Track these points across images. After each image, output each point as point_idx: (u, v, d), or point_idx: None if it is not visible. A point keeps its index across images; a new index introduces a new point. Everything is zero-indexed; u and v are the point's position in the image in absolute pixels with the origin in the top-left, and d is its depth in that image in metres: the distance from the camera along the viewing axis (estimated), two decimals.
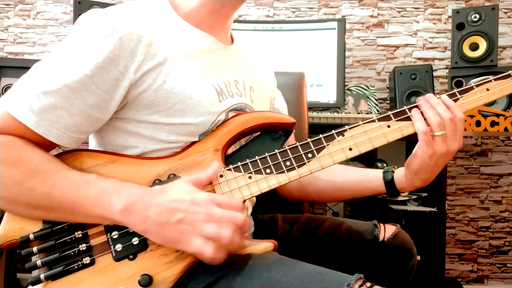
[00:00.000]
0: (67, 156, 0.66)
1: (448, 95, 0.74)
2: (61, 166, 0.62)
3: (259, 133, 0.75)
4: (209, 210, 0.58)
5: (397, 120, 0.73)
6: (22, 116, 0.60)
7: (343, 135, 0.72)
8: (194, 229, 0.57)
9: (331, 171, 0.79)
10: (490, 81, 0.75)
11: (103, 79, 0.63)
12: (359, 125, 0.72)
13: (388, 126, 0.73)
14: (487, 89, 0.75)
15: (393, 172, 0.81)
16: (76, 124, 0.63)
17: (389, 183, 0.80)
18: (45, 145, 0.64)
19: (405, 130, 0.73)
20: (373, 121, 0.73)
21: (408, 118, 0.73)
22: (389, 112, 0.73)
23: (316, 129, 0.99)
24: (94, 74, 0.62)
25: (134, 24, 0.65)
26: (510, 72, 0.76)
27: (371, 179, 0.83)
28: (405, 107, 0.74)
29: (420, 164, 0.74)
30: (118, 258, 0.61)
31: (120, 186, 0.61)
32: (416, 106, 0.73)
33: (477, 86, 0.75)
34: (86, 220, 0.62)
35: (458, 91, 0.74)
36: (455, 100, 0.74)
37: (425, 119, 0.72)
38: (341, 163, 0.73)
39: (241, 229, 0.59)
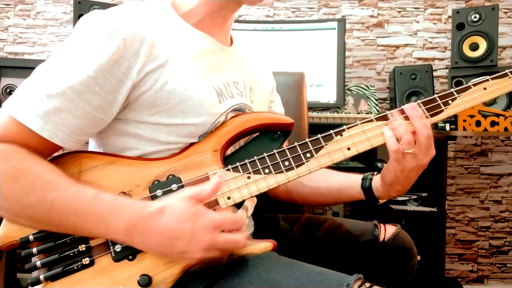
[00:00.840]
0: (67, 157, 0.66)
1: (445, 94, 0.74)
2: (60, 180, 0.60)
3: (257, 133, 0.75)
4: (212, 239, 0.57)
5: (395, 120, 0.73)
6: (27, 120, 0.60)
7: (341, 135, 0.72)
8: (198, 254, 0.58)
9: (314, 176, 0.79)
10: (487, 80, 0.75)
11: (106, 81, 0.63)
12: (357, 124, 0.73)
13: (386, 125, 0.72)
14: (484, 88, 0.75)
15: (371, 179, 0.81)
16: (81, 126, 0.63)
17: (368, 190, 0.81)
18: (50, 148, 0.64)
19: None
20: (371, 120, 0.73)
21: (407, 118, 0.72)
22: (387, 112, 0.73)
23: (316, 129, 0.98)
24: (97, 76, 0.62)
25: (137, 25, 0.65)
26: (507, 71, 0.76)
27: (350, 185, 0.84)
28: (402, 107, 0.73)
29: (393, 178, 0.75)
30: (118, 258, 0.62)
31: (116, 209, 0.59)
32: (401, 110, 0.73)
33: (474, 85, 0.75)
34: (90, 236, 0.63)
35: (455, 91, 0.74)
36: (453, 100, 0.74)
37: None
38: (341, 162, 0.73)
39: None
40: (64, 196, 0.59)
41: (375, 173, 0.82)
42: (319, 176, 0.86)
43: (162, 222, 0.57)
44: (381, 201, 0.82)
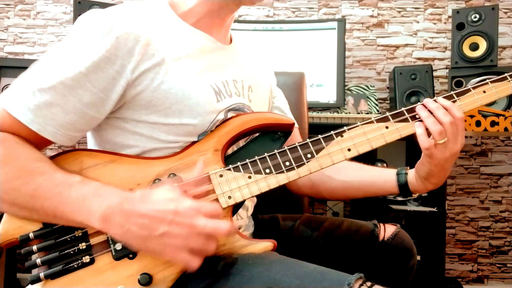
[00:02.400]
0: (68, 155, 0.66)
1: (444, 97, 0.74)
2: (48, 167, 0.61)
3: (258, 133, 0.75)
4: (194, 221, 0.56)
5: (395, 121, 0.73)
6: (17, 113, 0.61)
7: (342, 136, 0.72)
8: (178, 244, 0.56)
9: (343, 170, 0.80)
10: (487, 83, 0.76)
11: (99, 78, 0.63)
12: (358, 126, 0.73)
13: (387, 127, 0.73)
14: (484, 91, 0.76)
15: (406, 174, 0.82)
16: (71, 122, 0.64)
17: (403, 185, 0.81)
18: (40, 142, 0.64)
19: (403, 131, 0.73)
20: (372, 122, 0.73)
21: (406, 120, 0.73)
22: (387, 114, 0.74)
23: (316, 129, 0.99)
24: (89, 72, 0.62)
25: (132, 24, 0.65)
26: (506, 74, 0.76)
27: (385, 180, 0.83)
28: (403, 109, 0.74)
29: (427, 172, 0.76)
30: (118, 257, 0.62)
31: (101, 192, 0.59)
32: (414, 108, 0.73)
33: (473, 88, 0.75)
34: (68, 224, 0.61)
35: (455, 93, 0.75)
36: (453, 103, 0.74)
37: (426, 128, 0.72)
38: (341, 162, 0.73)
39: (227, 235, 0.59)
40: (50, 180, 0.60)
41: (408, 167, 0.83)
42: (348, 170, 0.87)
43: (146, 205, 0.57)
44: (414, 195, 0.83)
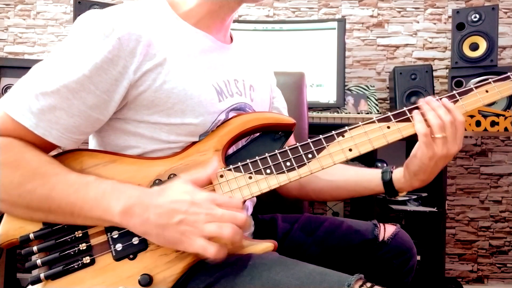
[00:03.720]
0: (68, 156, 0.66)
1: (447, 96, 0.74)
2: (60, 168, 0.62)
3: (259, 133, 0.75)
4: (210, 210, 0.58)
5: (397, 121, 0.73)
6: (21, 118, 0.60)
7: (343, 136, 0.72)
8: (195, 230, 0.57)
9: (330, 170, 0.79)
10: (489, 82, 0.75)
11: (102, 80, 0.63)
12: (359, 126, 0.73)
13: (388, 127, 0.73)
14: (486, 91, 0.75)
15: (392, 172, 0.81)
16: (76, 124, 0.63)
17: (388, 183, 0.81)
18: (45, 146, 0.64)
19: (405, 131, 0.73)
20: (373, 122, 0.73)
21: (408, 119, 0.73)
22: (389, 113, 0.73)
23: (316, 129, 0.99)
24: (92, 75, 0.62)
25: (133, 24, 0.65)
26: (509, 74, 0.76)
27: (369, 179, 0.83)
28: (404, 108, 0.74)
29: (420, 166, 0.74)
30: (118, 257, 0.62)
31: (119, 187, 0.61)
32: (417, 107, 0.74)
33: (476, 87, 0.75)
34: (85, 222, 0.62)
35: (457, 93, 0.74)
36: (455, 102, 0.74)
37: (425, 120, 0.72)
38: (341, 162, 0.73)
39: (241, 229, 0.59)
40: (65, 180, 0.61)
41: (394, 166, 0.82)
42: (335, 169, 0.86)
43: (163, 197, 0.59)
44: (400, 194, 0.82)
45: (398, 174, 0.80)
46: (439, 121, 0.71)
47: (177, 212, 0.57)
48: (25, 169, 0.60)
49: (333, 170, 0.86)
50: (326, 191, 0.90)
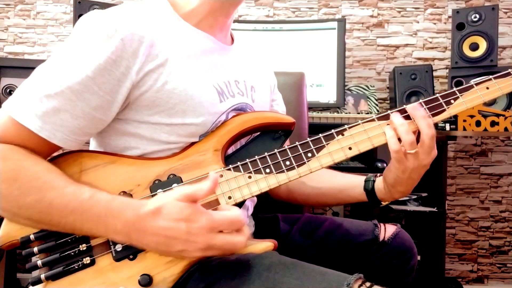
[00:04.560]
0: (67, 157, 0.66)
1: (447, 94, 0.74)
2: (57, 179, 0.60)
3: (258, 133, 0.75)
4: (209, 241, 0.56)
5: (396, 120, 0.72)
6: (25, 121, 0.60)
7: (342, 134, 0.72)
8: (197, 254, 0.58)
9: (317, 176, 0.79)
10: (490, 79, 0.75)
11: (105, 81, 0.62)
12: (359, 124, 0.72)
13: (388, 125, 0.72)
14: (487, 88, 0.75)
15: (374, 181, 0.81)
16: (80, 126, 0.63)
17: (370, 192, 0.81)
18: (49, 149, 0.64)
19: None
20: (373, 120, 0.73)
21: (408, 117, 0.71)
22: (389, 112, 0.73)
23: (316, 129, 0.98)
24: (96, 76, 0.62)
25: (136, 25, 0.65)
26: (510, 70, 0.75)
27: (353, 186, 0.83)
28: (404, 106, 0.73)
29: (395, 179, 0.74)
30: (118, 258, 0.62)
31: (112, 213, 0.58)
32: (403, 109, 0.72)
33: (477, 84, 0.75)
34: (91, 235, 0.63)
35: (458, 90, 0.74)
36: (455, 99, 0.74)
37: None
38: (341, 162, 0.73)
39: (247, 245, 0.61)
40: (61, 196, 0.59)
41: (378, 174, 0.82)
42: (322, 176, 0.86)
43: (158, 223, 0.56)
44: (383, 203, 0.81)
45: (379, 185, 0.80)
46: (411, 137, 0.69)
47: (175, 242, 0.57)
48: (22, 181, 0.59)
49: (320, 177, 0.86)
50: (312, 197, 0.90)
